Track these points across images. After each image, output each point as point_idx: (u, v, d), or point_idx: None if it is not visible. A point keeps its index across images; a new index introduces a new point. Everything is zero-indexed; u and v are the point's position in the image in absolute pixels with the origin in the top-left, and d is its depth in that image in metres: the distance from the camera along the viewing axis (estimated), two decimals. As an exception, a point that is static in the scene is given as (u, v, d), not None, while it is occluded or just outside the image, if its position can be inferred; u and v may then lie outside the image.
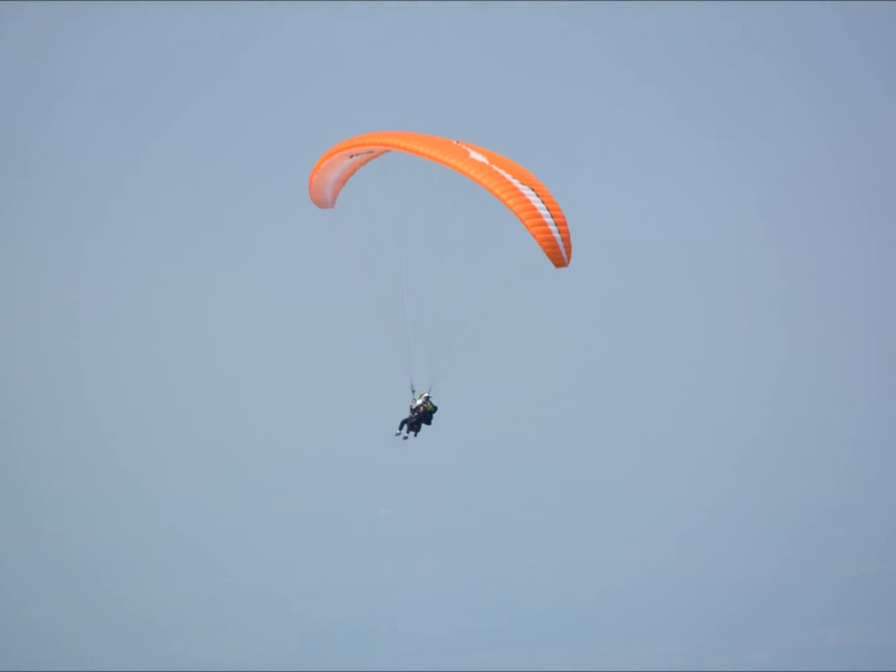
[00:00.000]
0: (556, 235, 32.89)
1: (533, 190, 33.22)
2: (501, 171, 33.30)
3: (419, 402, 39.14)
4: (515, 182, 33.12)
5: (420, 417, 39.19)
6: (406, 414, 39.27)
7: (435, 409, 39.24)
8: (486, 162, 33.64)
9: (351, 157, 37.55)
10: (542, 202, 33.06)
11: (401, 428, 39.32)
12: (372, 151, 37.14)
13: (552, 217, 32.99)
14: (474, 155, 33.75)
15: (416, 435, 39.45)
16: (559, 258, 33.05)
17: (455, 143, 34.52)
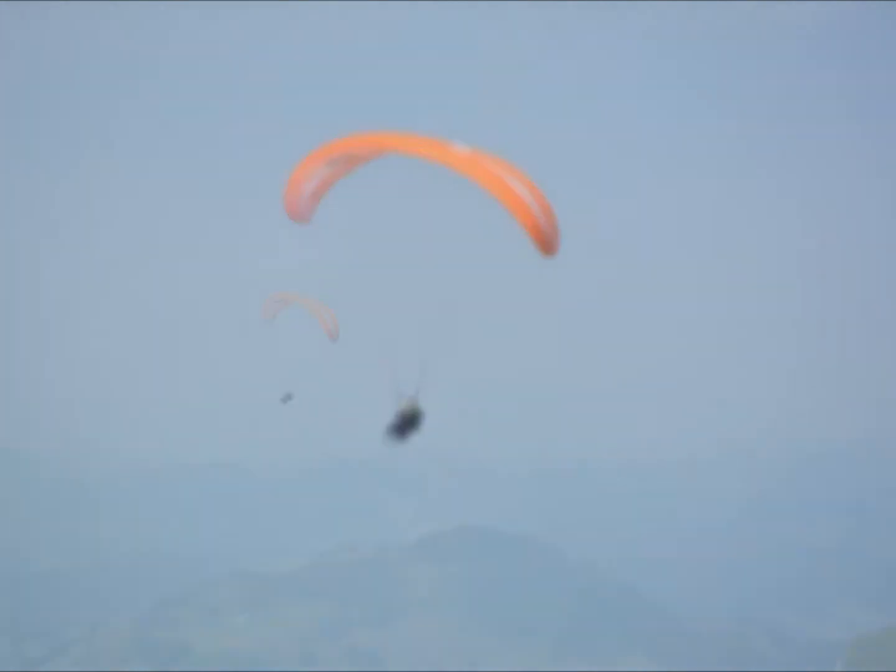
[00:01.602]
0: (542, 224, 33.12)
1: (518, 181, 33.47)
2: (486, 164, 33.54)
3: (406, 408, 39.29)
4: (500, 173, 33.36)
5: (407, 423, 39.35)
6: (395, 420, 39.43)
7: (421, 414, 39.38)
8: (470, 156, 33.86)
9: (328, 164, 37.48)
10: (528, 193, 33.29)
11: (389, 434, 39.47)
12: (351, 157, 37.11)
13: (538, 207, 33.24)
14: (458, 149, 33.98)
15: (404, 441, 39.59)
16: (546, 246, 33.26)
17: (437, 139, 34.71)
